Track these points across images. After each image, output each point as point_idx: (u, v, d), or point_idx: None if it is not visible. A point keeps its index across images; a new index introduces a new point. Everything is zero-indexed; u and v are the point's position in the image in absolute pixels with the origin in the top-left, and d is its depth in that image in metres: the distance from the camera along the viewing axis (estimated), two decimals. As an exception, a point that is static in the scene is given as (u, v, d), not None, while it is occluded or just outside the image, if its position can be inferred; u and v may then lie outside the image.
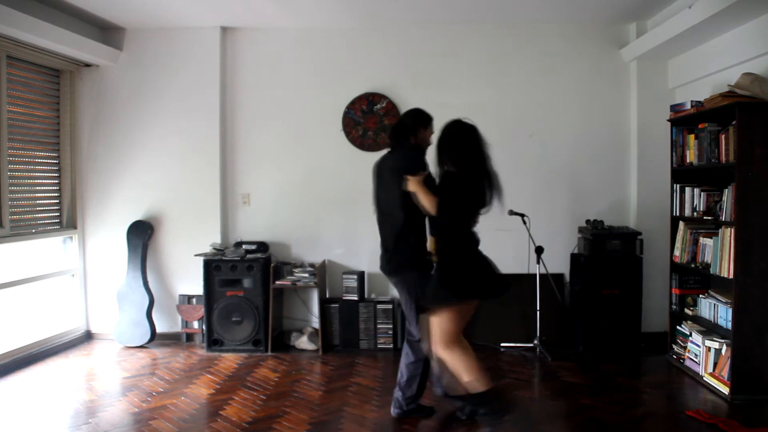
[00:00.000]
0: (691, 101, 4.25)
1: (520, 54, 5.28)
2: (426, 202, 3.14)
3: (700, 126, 4.16)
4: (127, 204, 5.31)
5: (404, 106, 5.24)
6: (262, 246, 5.19)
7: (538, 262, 4.79)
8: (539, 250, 4.77)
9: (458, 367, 3.16)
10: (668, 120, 4.54)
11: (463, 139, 3.16)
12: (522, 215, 4.77)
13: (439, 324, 3.16)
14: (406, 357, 3.50)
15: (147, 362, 4.71)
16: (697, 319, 4.25)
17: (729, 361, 3.74)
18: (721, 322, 3.96)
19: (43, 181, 5.07)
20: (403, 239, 3.36)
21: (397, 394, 3.54)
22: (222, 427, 3.42)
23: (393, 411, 3.55)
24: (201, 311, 5.11)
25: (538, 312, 4.80)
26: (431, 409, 3.59)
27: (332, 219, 5.35)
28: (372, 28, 5.29)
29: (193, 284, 5.20)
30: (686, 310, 4.41)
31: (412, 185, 3.19)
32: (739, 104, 3.66)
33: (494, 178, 3.17)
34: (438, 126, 3.33)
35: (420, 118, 3.47)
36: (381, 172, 3.51)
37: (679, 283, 4.47)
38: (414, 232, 3.36)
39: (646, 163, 5.11)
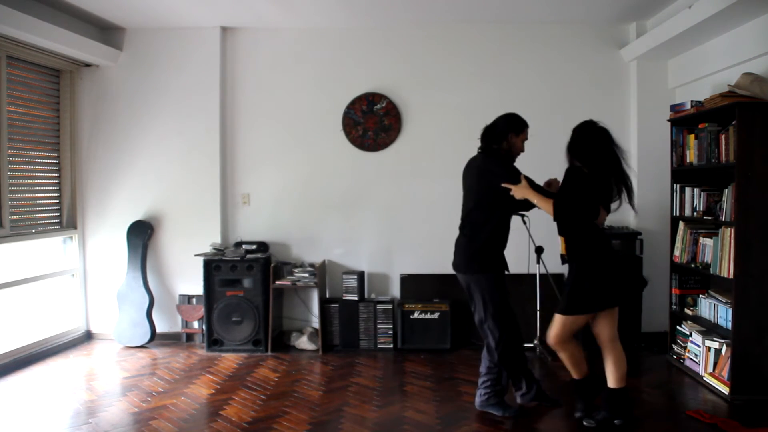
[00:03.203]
0: (691, 101, 4.24)
1: (520, 54, 5.29)
2: (543, 205, 3.25)
3: (700, 126, 4.16)
4: (127, 204, 5.31)
5: (404, 106, 5.26)
6: (262, 246, 5.19)
7: (538, 262, 4.78)
8: (539, 250, 4.77)
9: (566, 363, 3.39)
10: (668, 120, 4.54)
11: (591, 141, 3.24)
12: (522, 215, 4.75)
13: (561, 323, 3.27)
14: (485, 359, 3.62)
15: (147, 362, 4.71)
16: (697, 319, 4.25)
17: (729, 361, 3.74)
18: (721, 322, 3.96)
19: (43, 181, 5.07)
20: (478, 238, 3.42)
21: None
22: (222, 427, 3.42)
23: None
24: (201, 311, 5.11)
25: (538, 312, 4.80)
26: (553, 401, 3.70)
27: (332, 219, 5.35)
28: (372, 28, 5.29)
29: (193, 284, 5.20)
30: (686, 310, 4.40)
31: (520, 192, 3.28)
32: (739, 104, 3.66)
33: (625, 179, 3.27)
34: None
35: (512, 124, 3.49)
36: (470, 171, 3.54)
37: (679, 283, 4.46)
38: (489, 229, 3.41)
39: (646, 163, 5.10)
